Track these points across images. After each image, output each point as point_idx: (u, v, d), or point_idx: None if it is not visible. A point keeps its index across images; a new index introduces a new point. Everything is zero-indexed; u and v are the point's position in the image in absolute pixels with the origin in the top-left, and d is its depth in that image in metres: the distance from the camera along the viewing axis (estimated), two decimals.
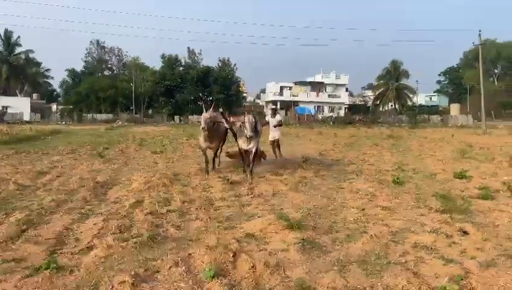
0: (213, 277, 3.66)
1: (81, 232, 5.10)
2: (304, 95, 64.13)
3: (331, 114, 59.76)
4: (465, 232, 5.10)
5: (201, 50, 65.22)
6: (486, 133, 29.26)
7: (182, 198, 7.00)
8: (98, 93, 57.76)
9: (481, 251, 4.44)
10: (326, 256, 4.36)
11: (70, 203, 6.60)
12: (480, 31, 33.98)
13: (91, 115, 54.41)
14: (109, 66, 66.71)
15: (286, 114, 60.58)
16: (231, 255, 4.15)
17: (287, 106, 61.99)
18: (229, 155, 11.26)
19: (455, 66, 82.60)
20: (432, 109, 67.60)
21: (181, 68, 62.58)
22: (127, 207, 6.32)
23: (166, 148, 16.57)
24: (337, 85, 66.81)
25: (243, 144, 9.24)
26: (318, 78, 66.38)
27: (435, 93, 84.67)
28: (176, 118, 57.18)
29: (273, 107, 13.82)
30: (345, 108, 65.33)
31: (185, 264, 3.96)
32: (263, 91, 75.77)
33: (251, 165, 9.28)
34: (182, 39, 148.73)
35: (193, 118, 56.74)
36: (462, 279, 3.65)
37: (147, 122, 50.37)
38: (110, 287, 3.49)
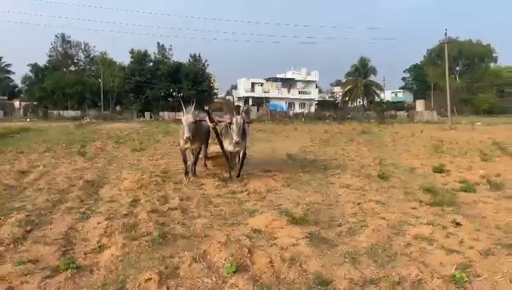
0: (234, 272, 3.76)
1: (87, 232, 5.06)
2: (275, 91, 64.63)
3: (302, 110, 60.51)
4: (458, 224, 5.41)
5: (171, 45, 64.36)
6: (452, 128, 30.52)
7: (178, 196, 7.02)
8: (64, 89, 55.97)
9: (477, 241, 4.74)
10: (335, 249, 4.54)
11: (66, 203, 6.47)
12: (446, 29, 35.40)
13: (57, 111, 52.62)
14: (75, 61, 64.57)
15: (258, 110, 60.89)
16: (246, 251, 4.25)
17: (259, 102, 62.27)
18: (211, 158, 10.16)
19: (419, 63, 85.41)
20: (398, 105, 69.71)
21: (151, 64, 61.52)
22: (126, 206, 6.28)
23: (146, 146, 16.35)
24: (308, 81, 67.74)
25: (228, 145, 8.45)
26: (289, 74, 67.06)
27: (400, 90, 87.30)
28: (147, 114, 56.22)
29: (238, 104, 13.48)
30: (315, 104, 66.36)
31: (203, 261, 4.04)
32: (234, 87, 75.68)
33: (239, 168, 8.72)
34: (151, 34, 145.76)
35: (164, 114, 56.06)
36: (467, 267, 3.92)
37: (117, 119, 49.23)
38: (137, 285, 3.52)
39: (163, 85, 59.18)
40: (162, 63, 60.95)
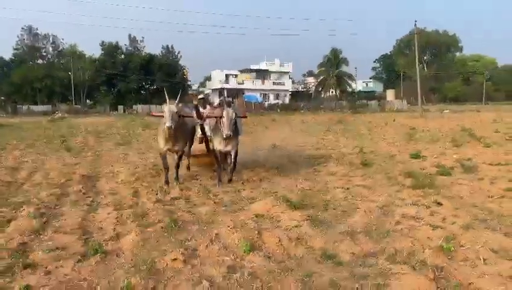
0: (250, 251, 4.17)
1: (100, 221, 5.34)
2: (249, 82, 64.85)
3: (276, 101, 61.10)
4: (440, 203, 5.99)
5: (143, 37, 63.42)
6: (423, 116, 31.78)
7: (178, 186, 7.33)
8: (32, 83, 54.35)
9: (457, 218, 5.31)
10: (334, 229, 5.01)
11: (70, 197, 6.69)
12: (416, 21, 36.66)
13: (27, 106, 51.12)
14: (43, 54, 62.60)
15: (233, 102, 60.94)
16: (256, 232, 4.67)
17: (233, 93, 62.35)
18: (194, 156, 9.11)
19: (389, 53, 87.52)
20: (369, 95, 71.38)
21: (122, 56, 60.49)
22: (129, 197, 6.55)
23: (129, 140, 16.42)
24: (281, 72, 68.29)
25: (218, 145, 7.57)
26: (263, 65, 67.36)
27: (371, 80, 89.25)
28: (120, 108, 55.42)
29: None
30: (289, 95, 67.12)
31: (219, 242, 4.42)
32: (208, 79, 75.41)
33: (231, 171, 7.83)
34: (120, 26, 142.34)
35: (138, 107, 55.40)
36: (451, 239, 4.46)
37: (90, 113, 48.37)
38: (165, 264, 3.88)
39: (135, 78, 58.42)
40: (134, 55, 60.07)
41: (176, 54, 63.84)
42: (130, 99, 59.10)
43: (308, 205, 6.00)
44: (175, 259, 3.95)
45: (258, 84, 65.22)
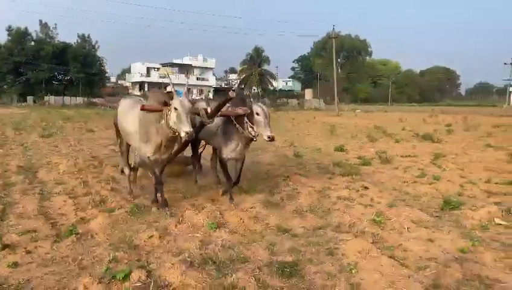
0: (216, 228, 4.67)
1: (59, 208, 5.42)
2: (172, 77, 63.86)
3: (200, 97, 61.05)
4: (366, 187, 7.00)
5: (56, 24, 59.22)
6: (339, 115, 34.34)
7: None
8: None
9: (382, 198, 6.30)
10: (284, 209, 5.68)
11: (16, 186, 6.54)
12: (334, 25, 39.27)
13: None
14: None
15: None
16: (218, 213, 5.18)
17: (155, 87, 60.97)
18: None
19: (307, 54, 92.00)
20: (289, 93, 74.54)
21: (32, 43, 55.92)
22: (80, 187, 6.60)
23: (53, 133, 15.66)
24: (205, 68, 68.34)
25: (231, 152, 5.88)
26: (186, 60, 66.81)
27: (290, 79, 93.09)
28: (29, 98, 51.32)
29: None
30: (213, 91, 67.43)
31: (186, 222, 4.85)
32: (127, 71, 72.76)
33: (236, 182, 6.23)
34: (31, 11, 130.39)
35: (50, 98, 51.77)
36: (380, 215, 5.38)
37: None
38: (143, 241, 4.22)
39: (47, 67, 54.42)
40: (46, 43, 55.88)
41: (93, 43, 60.64)
42: (41, 90, 55.01)
43: (256, 190, 6.61)
44: (151, 236, 4.31)
45: (181, 78, 64.49)
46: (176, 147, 5.82)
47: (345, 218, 5.25)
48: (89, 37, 60.12)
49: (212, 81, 68.46)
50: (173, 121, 4.78)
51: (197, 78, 66.40)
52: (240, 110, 5.60)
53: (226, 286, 3.33)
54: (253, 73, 66.24)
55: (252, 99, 5.93)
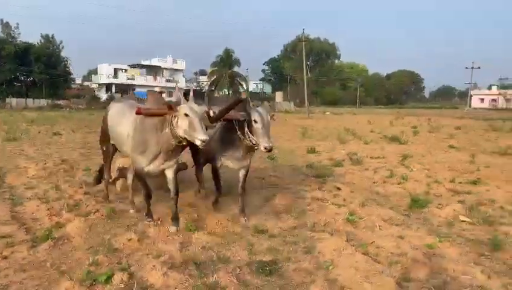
0: (195, 230, 4.73)
1: (32, 213, 5.31)
2: (141, 78, 62.99)
3: (170, 99, 60.35)
4: (339, 188, 7.23)
5: (18, 24, 57.05)
6: (310, 117, 34.87)
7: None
8: None
9: (354, 198, 6.52)
10: (260, 210, 5.80)
11: None
12: (304, 29, 39.89)
13: None
14: None
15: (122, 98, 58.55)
16: (196, 215, 5.24)
17: (123, 89, 59.92)
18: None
19: (277, 57, 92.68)
20: (260, 96, 74.82)
21: None
22: (53, 191, 6.47)
23: (18, 136, 15.14)
24: (175, 70, 67.68)
25: (233, 162, 5.37)
26: (155, 62, 65.94)
27: (260, 82, 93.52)
28: None
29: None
30: (183, 93, 66.81)
31: (164, 225, 4.87)
32: (93, 72, 71.08)
33: (243, 193, 5.52)
34: None
35: (12, 101, 49.77)
36: (353, 214, 5.59)
37: None
38: (122, 243, 4.22)
39: (8, 68, 52.35)
40: (7, 43, 53.73)
41: (58, 44, 58.80)
42: (2, 91, 52.79)
43: (232, 192, 6.69)
44: (130, 239, 4.32)
45: (149, 80, 63.66)
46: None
47: (319, 218, 5.43)
48: (53, 37, 58.23)
49: (182, 83, 67.85)
50: (183, 129, 4.22)
51: (167, 80, 65.68)
52: (238, 115, 4.97)
53: (208, 285, 3.41)
54: (224, 75, 66.13)
55: (252, 104, 5.14)
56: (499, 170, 9.22)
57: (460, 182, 7.79)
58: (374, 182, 7.87)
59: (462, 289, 3.48)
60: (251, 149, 5.19)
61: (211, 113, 4.76)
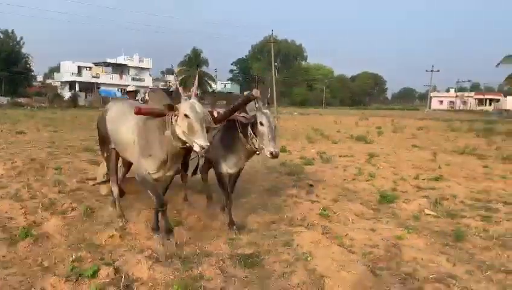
0: (175, 226, 4.81)
1: (6, 212, 5.21)
2: (106, 77, 61.43)
3: (137, 98, 59.28)
4: (311, 185, 7.48)
5: None
6: (278, 117, 35.24)
7: (70, 178, 7.29)
8: None
9: (326, 194, 6.80)
10: (237, 206, 5.91)
11: None
12: (272, 30, 40.26)
13: None
14: None
15: (86, 96, 57.08)
16: (175, 212, 5.32)
17: (87, 87, 58.36)
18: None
19: (245, 57, 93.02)
20: (228, 96, 74.81)
21: None
22: (25, 190, 6.33)
23: None
24: (141, 68, 66.51)
25: (232, 166, 5.01)
26: (120, 60, 64.52)
27: (229, 81, 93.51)
28: None
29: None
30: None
31: (143, 221, 4.93)
32: (56, 70, 68.76)
33: (230, 197, 5.17)
34: None
35: None
36: (326, 209, 5.83)
37: None
38: (103, 240, 4.25)
39: None
40: None
41: (18, 40, 56.49)
42: None
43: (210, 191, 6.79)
44: (111, 236, 4.36)
45: (115, 78, 62.24)
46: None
47: (295, 213, 5.64)
48: (12, 32, 55.97)
49: (148, 82, 66.71)
50: (182, 131, 3.71)
51: (133, 79, 64.35)
52: (242, 118, 4.57)
53: (193, 277, 3.52)
54: (192, 75, 65.68)
55: (260, 105, 4.61)
56: (459, 167, 9.80)
57: (424, 179, 8.24)
58: (344, 179, 8.18)
59: (430, 276, 3.75)
60: (251, 154, 4.86)
61: (215, 114, 4.37)
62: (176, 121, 3.76)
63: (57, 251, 4.01)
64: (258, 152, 4.68)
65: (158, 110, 3.98)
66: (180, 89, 4.04)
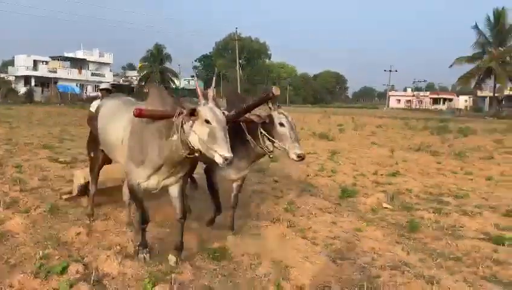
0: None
1: None
2: (63, 71, 59.13)
3: (97, 94, 57.61)
4: (276, 181, 7.71)
5: None
6: None
7: (31, 176, 7.13)
8: None
9: (291, 190, 7.03)
10: (204, 203, 6.03)
11: None
12: (236, 28, 40.36)
13: None
14: None
15: (43, 92, 54.85)
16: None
17: (43, 82, 56.04)
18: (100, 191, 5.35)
19: (209, 54, 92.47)
20: (191, 92, 74.14)
21: None
22: None
23: None
24: (101, 63, 64.59)
25: (233, 170, 4.61)
26: (79, 54, 62.33)
27: (192, 78, 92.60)
28: None
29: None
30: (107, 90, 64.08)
31: (110, 218, 4.95)
32: (9, 64, 65.55)
33: (233, 210, 4.96)
34: None
35: None
36: (290, 204, 6.05)
37: None
38: (70, 238, 4.25)
39: None
40: None
41: None
42: None
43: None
44: (78, 233, 4.35)
45: (74, 73, 60.12)
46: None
47: (261, 208, 5.83)
48: None
49: (109, 77, 64.91)
50: (200, 140, 3.21)
51: (92, 74, 62.45)
52: (254, 117, 4.17)
53: (164, 272, 3.62)
54: (154, 70, 64.56)
55: (276, 104, 4.37)
56: (414, 163, 10.37)
57: (382, 175, 8.68)
58: (308, 175, 8.47)
59: (386, 264, 4.04)
60: (259, 157, 4.58)
61: (225, 112, 3.67)
62: (192, 126, 3.27)
63: (23, 249, 3.97)
64: (270, 156, 4.42)
65: (161, 112, 3.48)
66: (199, 91, 3.48)
